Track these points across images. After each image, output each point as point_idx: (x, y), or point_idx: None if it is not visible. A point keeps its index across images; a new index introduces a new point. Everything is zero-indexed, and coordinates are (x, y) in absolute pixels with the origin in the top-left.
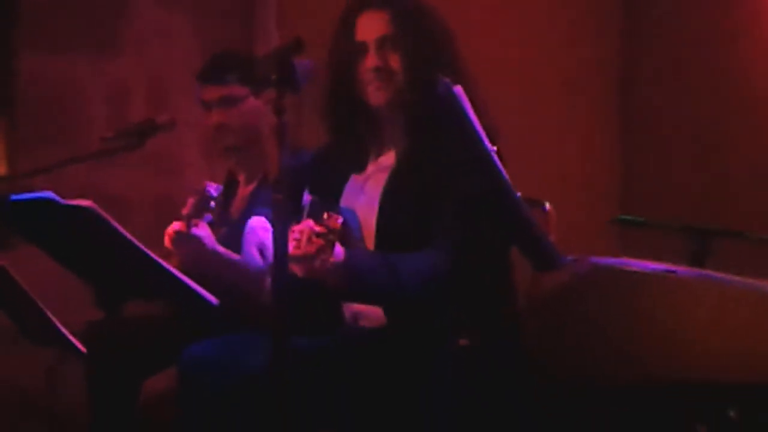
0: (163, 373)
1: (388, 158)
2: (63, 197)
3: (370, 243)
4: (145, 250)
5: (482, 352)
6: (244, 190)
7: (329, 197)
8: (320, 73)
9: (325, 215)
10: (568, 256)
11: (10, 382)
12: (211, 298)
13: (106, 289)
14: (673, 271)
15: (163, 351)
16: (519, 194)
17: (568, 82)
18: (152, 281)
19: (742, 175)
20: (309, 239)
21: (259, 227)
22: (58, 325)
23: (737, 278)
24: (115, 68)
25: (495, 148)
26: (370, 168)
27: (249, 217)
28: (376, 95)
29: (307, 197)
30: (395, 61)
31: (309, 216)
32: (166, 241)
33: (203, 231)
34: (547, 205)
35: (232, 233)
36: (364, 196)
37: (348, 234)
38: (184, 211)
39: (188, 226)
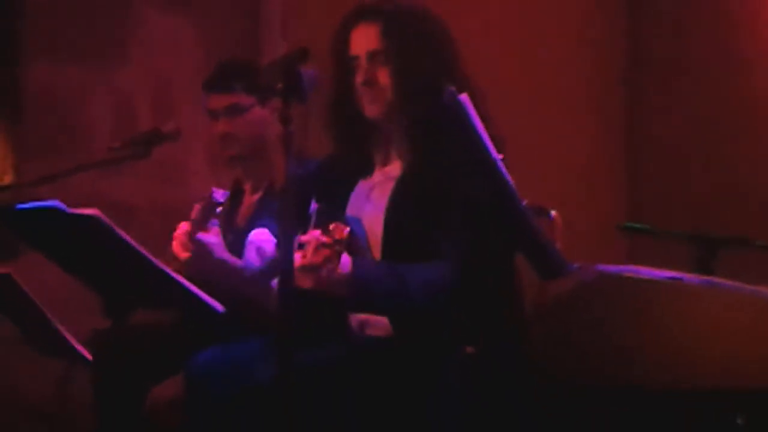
0: (169, 381)
1: (394, 168)
2: (69, 206)
3: (377, 252)
4: (151, 258)
5: (489, 360)
6: (250, 199)
7: (336, 206)
8: (325, 83)
9: (332, 226)
10: (574, 264)
11: (19, 390)
12: (216, 305)
13: (112, 297)
14: (680, 279)
15: (170, 358)
16: (525, 202)
17: (573, 89)
18: (158, 289)
19: (749, 183)
20: (315, 250)
21: (259, 238)
22: (65, 333)
23: (744, 286)
24: (121, 77)
25: (501, 156)
26: (377, 177)
27: (254, 226)
28: (369, 108)
29: (313, 206)
30: (384, 76)
31: (315, 225)
32: (174, 246)
33: (214, 238)
34: (553, 213)
35: (238, 241)
36: (371, 205)
37: (354, 243)
38: (191, 217)
39: (195, 231)
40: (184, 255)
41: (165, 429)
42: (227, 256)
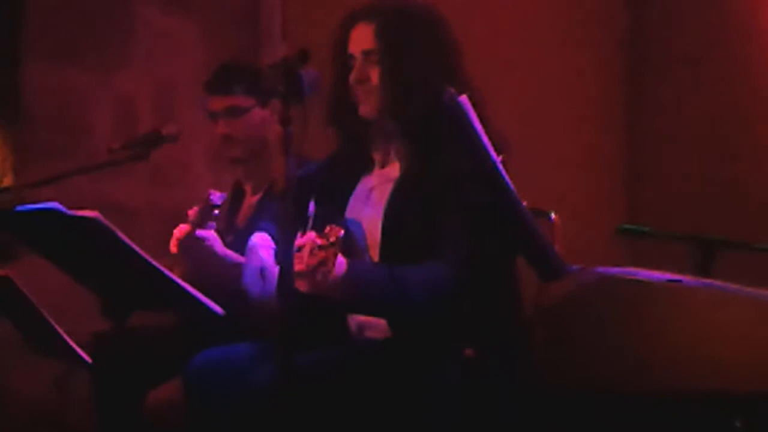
0: (168, 383)
1: (393, 169)
2: (69, 208)
3: (376, 254)
4: (151, 260)
5: (488, 363)
6: (251, 200)
7: (335, 208)
8: (325, 84)
9: (327, 228)
10: (573, 266)
11: (18, 392)
12: (216, 308)
13: (112, 300)
14: (679, 281)
15: (169, 361)
16: (524, 204)
17: (573, 91)
18: (158, 291)
19: (749, 185)
20: (310, 252)
21: (262, 246)
22: (64, 335)
23: (743, 288)
24: (121, 79)
25: (500, 158)
26: (376, 178)
27: (255, 227)
28: (362, 108)
29: (312, 208)
30: (376, 75)
31: (314, 227)
32: (173, 245)
33: (212, 235)
34: (553, 215)
35: (238, 242)
36: (370, 207)
37: (353, 245)
38: (189, 219)
39: (194, 229)
40: (184, 254)
41: (164, 431)
42: (227, 252)
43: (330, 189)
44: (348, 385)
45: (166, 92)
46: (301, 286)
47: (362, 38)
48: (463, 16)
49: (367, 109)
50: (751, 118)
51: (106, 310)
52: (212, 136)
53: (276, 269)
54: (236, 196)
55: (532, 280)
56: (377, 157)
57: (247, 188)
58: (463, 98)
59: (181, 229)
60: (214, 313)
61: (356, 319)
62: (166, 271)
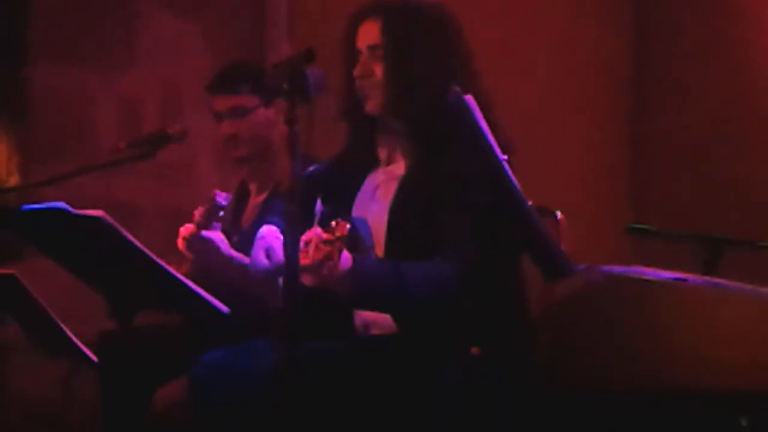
0: (174, 382)
1: (399, 167)
2: (75, 207)
3: (381, 252)
4: (157, 259)
5: (493, 361)
6: (256, 200)
7: (342, 206)
8: (331, 83)
9: (333, 222)
10: (579, 265)
11: (24, 391)
12: (222, 307)
13: (117, 299)
14: (685, 280)
15: (175, 360)
16: (530, 203)
17: (578, 90)
18: (163, 291)
19: (755, 183)
20: (316, 247)
21: (270, 235)
22: (70, 335)
23: (749, 287)
24: (126, 79)
25: (506, 157)
26: (381, 175)
27: (260, 227)
28: (366, 103)
29: (319, 206)
30: (380, 71)
31: (320, 224)
32: (179, 243)
33: (218, 236)
34: (559, 214)
35: (243, 242)
36: (375, 204)
37: (358, 243)
38: (194, 220)
39: (199, 230)
40: (188, 255)
41: (170, 430)
42: (233, 253)
43: (336, 187)
44: (353, 382)
45: (171, 92)
46: (307, 280)
47: (369, 34)
48: (467, 16)
49: (371, 104)
50: (755, 118)
51: (111, 309)
52: (217, 136)
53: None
54: (241, 197)
55: (537, 279)
56: (383, 154)
57: (252, 188)
58: (469, 97)
59: (186, 228)
60: (220, 312)
61: (362, 317)
62: (172, 271)
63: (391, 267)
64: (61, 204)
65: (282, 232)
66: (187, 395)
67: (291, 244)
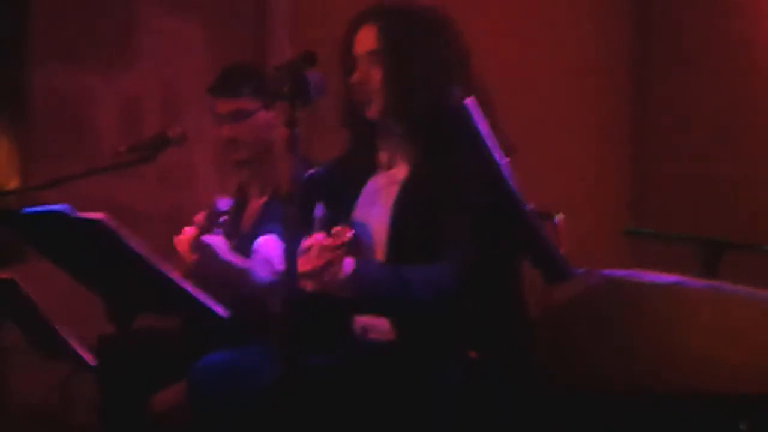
0: (173, 386)
1: (400, 170)
2: (75, 210)
3: (382, 256)
4: (157, 263)
5: (493, 365)
6: (256, 203)
7: (342, 210)
8: (331, 86)
9: (335, 229)
10: (579, 268)
11: (23, 395)
12: (221, 310)
13: (117, 302)
14: (684, 283)
15: (174, 364)
16: (530, 206)
17: (578, 93)
18: (163, 294)
19: (754, 186)
20: (318, 253)
21: (265, 247)
22: (68, 338)
23: (748, 290)
24: (127, 80)
25: (506, 160)
26: (382, 179)
27: (260, 230)
28: (366, 108)
29: (319, 210)
30: (377, 76)
31: (321, 229)
32: (179, 248)
33: (217, 240)
34: (558, 217)
35: (243, 245)
36: (376, 208)
37: (359, 247)
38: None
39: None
40: (191, 258)
41: None
42: (233, 257)
43: (337, 191)
44: (352, 386)
45: (172, 93)
46: (309, 285)
47: (366, 39)
48: (467, 18)
49: (371, 109)
50: (755, 120)
51: (111, 312)
52: (217, 139)
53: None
54: (241, 200)
55: (537, 282)
56: (383, 158)
57: (252, 191)
58: (470, 100)
59: (187, 232)
60: (219, 315)
61: (361, 321)
62: (172, 274)
63: (393, 271)
64: (62, 207)
65: (281, 236)
66: (186, 398)
67: (290, 248)
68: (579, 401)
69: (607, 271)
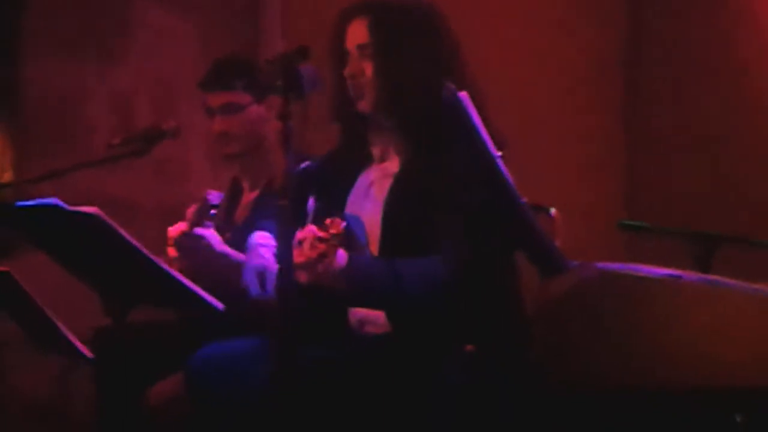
0: (170, 378)
1: (393, 164)
2: (69, 203)
3: (375, 249)
4: (151, 256)
5: (488, 358)
6: (249, 197)
7: (335, 204)
8: (324, 80)
9: (328, 221)
10: (573, 262)
11: (19, 388)
12: (217, 303)
13: (112, 295)
14: (679, 276)
15: (170, 356)
16: (524, 200)
17: (572, 87)
18: (158, 287)
19: (748, 180)
20: (311, 245)
21: (262, 245)
22: (65, 331)
23: (743, 283)
24: (120, 75)
25: (500, 153)
26: (375, 173)
27: (253, 223)
28: (357, 102)
29: (311, 203)
30: (369, 69)
31: (313, 222)
32: (169, 245)
33: (209, 232)
34: (553, 211)
35: (236, 239)
36: (369, 202)
37: (352, 240)
38: (186, 219)
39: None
40: (173, 254)
41: (165, 426)
42: (226, 249)
43: (329, 184)
44: (348, 380)
45: (165, 88)
46: (302, 277)
47: (357, 33)
48: (461, 12)
49: (363, 103)
50: (749, 115)
51: (106, 305)
52: (209, 133)
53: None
54: (234, 193)
55: (532, 276)
56: (376, 152)
57: (245, 185)
58: (463, 94)
59: (175, 228)
60: (214, 308)
61: (356, 314)
62: (166, 267)
63: (386, 264)
64: (56, 200)
65: (274, 231)
66: (183, 390)
67: (284, 242)
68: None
69: (602, 265)
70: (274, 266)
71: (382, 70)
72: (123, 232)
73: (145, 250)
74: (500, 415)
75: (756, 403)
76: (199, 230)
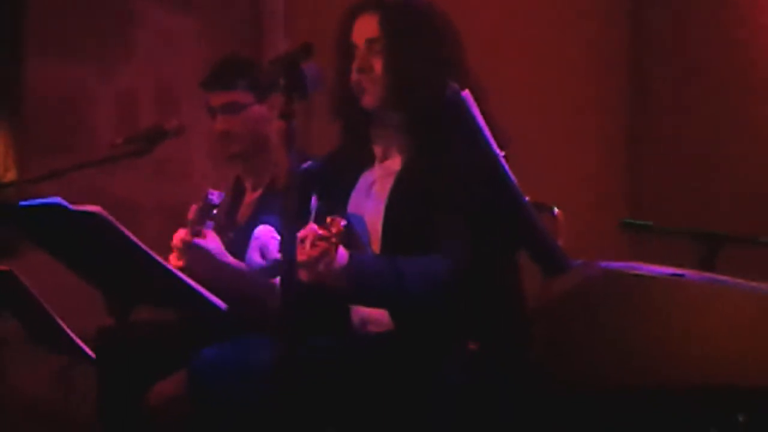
0: (172, 377)
1: (395, 162)
2: (72, 203)
3: (377, 247)
4: (154, 255)
5: (491, 357)
6: (251, 196)
7: (337, 202)
8: (328, 79)
9: (328, 219)
10: (576, 261)
11: (21, 387)
12: (219, 302)
13: (115, 295)
14: (682, 276)
15: (173, 356)
16: (527, 199)
17: (576, 87)
18: (161, 286)
19: (752, 179)
20: (312, 243)
21: (264, 234)
22: (67, 330)
23: (747, 283)
24: (123, 74)
25: (503, 152)
26: (377, 171)
27: (255, 223)
28: (364, 98)
29: (314, 202)
30: (379, 64)
31: (316, 221)
32: (173, 255)
33: (213, 243)
34: (556, 210)
35: (239, 239)
36: (371, 200)
37: (354, 238)
38: (188, 218)
39: (192, 235)
40: (179, 263)
41: (168, 426)
42: (228, 259)
43: (332, 183)
44: (349, 378)
45: (168, 87)
46: (303, 276)
47: (366, 27)
48: (464, 12)
49: (369, 99)
50: (752, 114)
51: (109, 305)
52: (211, 132)
53: (276, 244)
54: (237, 193)
55: (535, 274)
56: (378, 150)
57: (248, 184)
58: (466, 93)
59: (178, 236)
60: (217, 307)
61: (359, 313)
62: (169, 266)
63: (388, 263)
64: (58, 200)
65: (278, 229)
66: (186, 390)
67: (288, 240)
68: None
69: (604, 264)
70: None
71: (391, 66)
72: (125, 231)
73: (147, 249)
74: (500, 415)
75: (758, 403)
76: (200, 241)
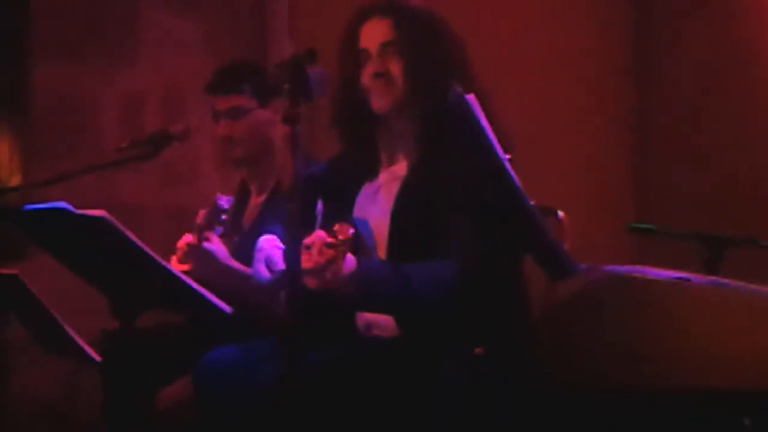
0: (178, 381)
1: (400, 167)
2: (77, 207)
3: (383, 253)
4: (159, 259)
5: (496, 361)
6: (256, 201)
7: (342, 208)
8: (333, 83)
9: (336, 226)
10: (581, 264)
11: (27, 390)
12: (224, 306)
13: (120, 299)
14: (687, 279)
15: (179, 359)
16: (532, 202)
17: (581, 90)
18: (166, 290)
19: (757, 183)
20: (320, 250)
21: (268, 245)
22: (73, 334)
23: (751, 286)
24: (129, 78)
25: (508, 156)
26: (383, 176)
27: (260, 227)
28: (377, 101)
29: (320, 207)
30: (396, 67)
31: (322, 226)
32: (178, 256)
33: (216, 246)
34: (561, 213)
35: (244, 243)
36: (377, 206)
37: (360, 244)
38: (196, 223)
39: (200, 239)
40: (184, 267)
41: (173, 429)
42: (233, 263)
43: (337, 188)
44: (355, 383)
45: (173, 91)
46: (311, 283)
47: (378, 31)
48: (468, 15)
49: (383, 103)
50: (758, 117)
51: (114, 309)
52: (215, 137)
53: (280, 255)
54: (242, 197)
55: (540, 278)
56: (384, 155)
57: (252, 189)
58: (471, 97)
59: (184, 240)
60: (222, 311)
61: (364, 318)
62: (174, 270)
63: (395, 269)
64: (63, 204)
65: (282, 235)
66: (191, 394)
67: (292, 244)
68: (580, 399)
69: (610, 268)
70: (280, 261)
71: (411, 67)
72: (131, 235)
73: (152, 253)
74: (500, 415)
75: (764, 407)
76: (206, 245)
